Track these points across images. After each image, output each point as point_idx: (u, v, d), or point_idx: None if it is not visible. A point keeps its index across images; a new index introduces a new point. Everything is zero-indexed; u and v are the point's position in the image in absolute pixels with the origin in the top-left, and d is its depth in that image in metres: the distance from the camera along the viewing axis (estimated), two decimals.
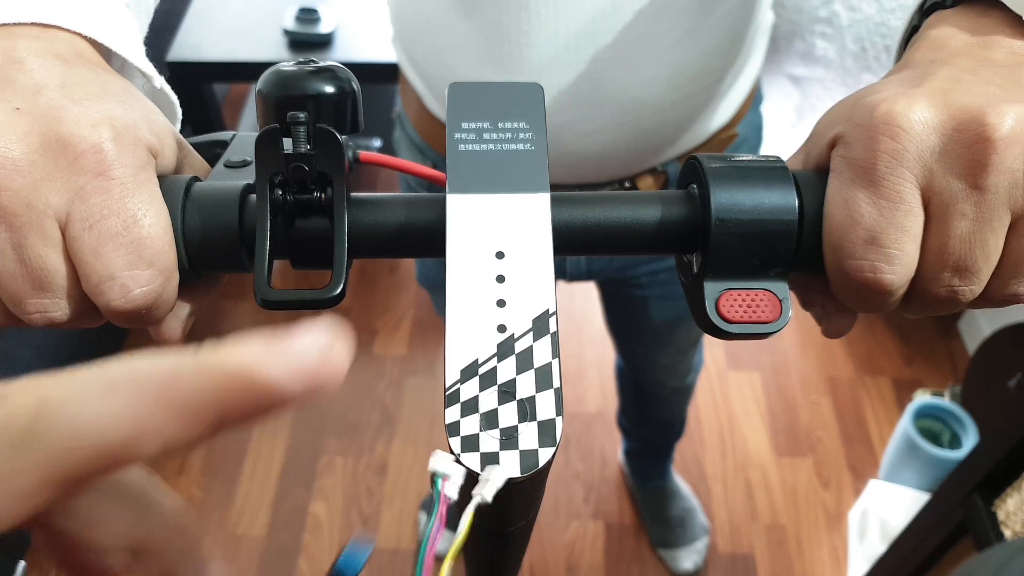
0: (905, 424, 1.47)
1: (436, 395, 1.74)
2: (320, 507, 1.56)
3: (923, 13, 0.37)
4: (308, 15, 1.63)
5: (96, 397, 0.16)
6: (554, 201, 0.31)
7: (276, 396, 0.17)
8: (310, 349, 0.17)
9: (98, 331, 1.67)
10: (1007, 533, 0.93)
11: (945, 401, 1.54)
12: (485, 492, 0.24)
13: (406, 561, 1.49)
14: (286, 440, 1.66)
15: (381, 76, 1.54)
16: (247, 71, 1.64)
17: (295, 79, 0.30)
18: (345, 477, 1.60)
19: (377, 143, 1.92)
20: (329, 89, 0.30)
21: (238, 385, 0.16)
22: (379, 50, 1.60)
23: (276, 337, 0.17)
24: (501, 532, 0.32)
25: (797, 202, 0.32)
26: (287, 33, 1.62)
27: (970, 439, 1.46)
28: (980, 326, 1.77)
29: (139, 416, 0.16)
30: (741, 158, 0.33)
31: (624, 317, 1.07)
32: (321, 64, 0.31)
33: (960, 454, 1.42)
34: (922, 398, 1.60)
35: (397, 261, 1.97)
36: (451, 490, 0.24)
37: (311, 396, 0.17)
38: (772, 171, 0.32)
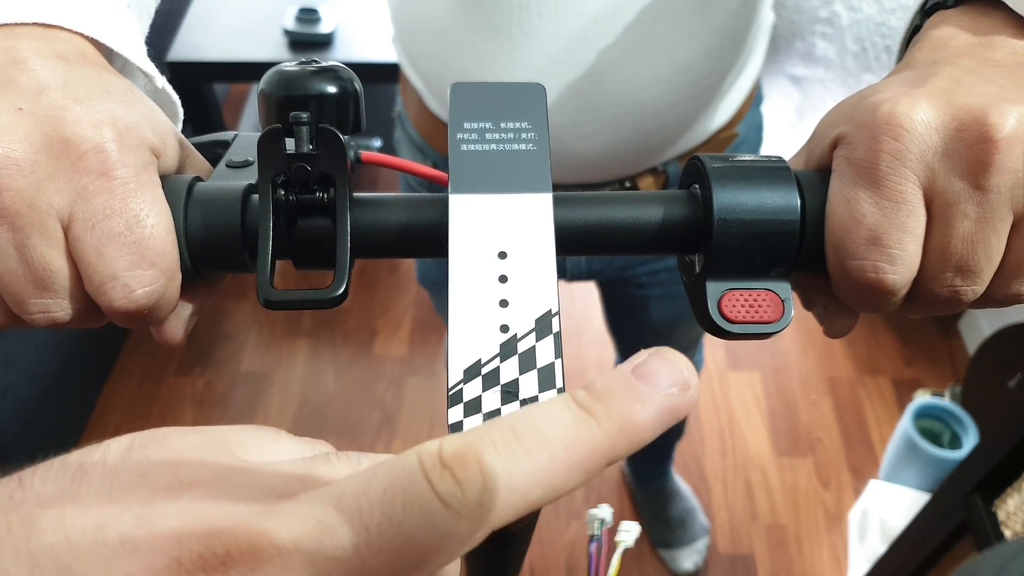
0: (905, 424, 1.47)
1: (436, 395, 1.74)
2: None
3: (924, 13, 0.37)
4: (308, 15, 1.63)
5: (524, 465, 0.17)
6: (556, 201, 0.31)
7: (652, 433, 0.19)
8: (676, 380, 0.20)
9: (99, 332, 1.67)
10: (1007, 533, 0.93)
11: (945, 401, 1.54)
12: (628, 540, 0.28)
13: None
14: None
15: (381, 76, 1.54)
16: (247, 71, 1.64)
17: (298, 79, 0.30)
18: None
19: (377, 143, 1.92)
20: (331, 89, 0.30)
21: (624, 435, 0.19)
22: (379, 50, 1.60)
23: (641, 374, 0.19)
24: (503, 532, 0.32)
25: (799, 202, 0.32)
26: (287, 33, 1.62)
27: (970, 439, 1.46)
28: (980, 326, 1.77)
29: (554, 475, 0.18)
30: (743, 158, 0.33)
31: (624, 317, 1.07)
32: (323, 64, 0.31)
33: (960, 454, 1.42)
34: (922, 398, 1.60)
35: (397, 261, 1.97)
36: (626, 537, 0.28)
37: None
38: (774, 171, 0.32)
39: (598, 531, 0.27)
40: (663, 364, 0.20)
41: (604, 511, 0.27)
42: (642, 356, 0.20)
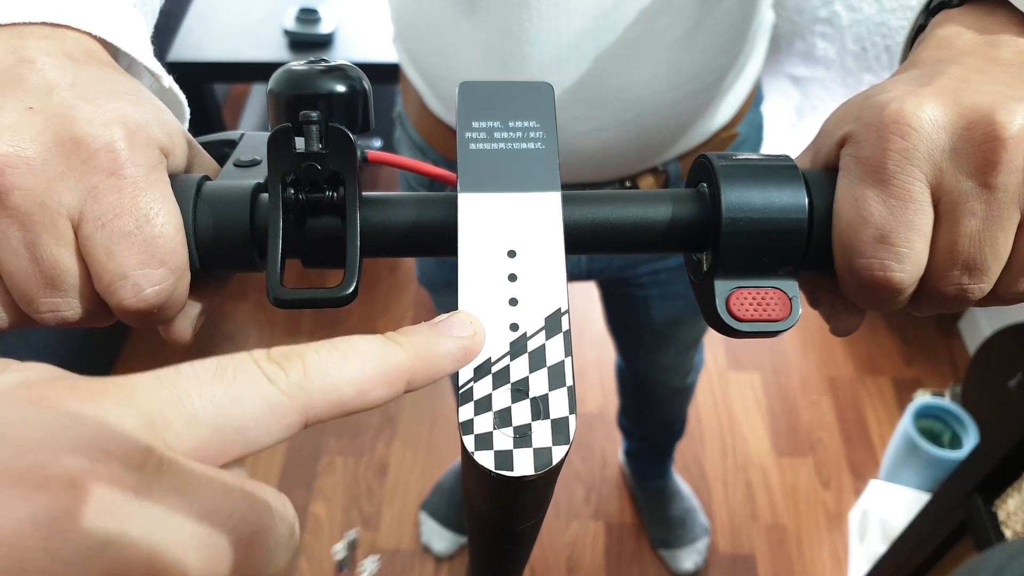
0: (905, 424, 1.47)
1: (436, 396, 1.74)
2: (320, 507, 1.56)
3: (929, 12, 0.37)
4: (308, 15, 1.63)
5: (338, 365, 0.22)
6: (565, 200, 0.32)
7: (446, 366, 0.25)
8: (465, 331, 0.25)
9: (99, 332, 1.67)
10: (1008, 533, 0.93)
11: (945, 401, 1.54)
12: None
13: (406, 561, 1.49)
14: (286, 440, 1.66)
15: (381, 76, 1.53)
16: (247, 71, 1.64)
17: (307, 78, 0.30)
18: (345, 477, 1.60)
19: (377, 143, 1.92)
20: (341, 88, 0.31)
21: (422, 360, 0.24)
22: (379, 50, 1.60)
23: (439, 325, 0.25)
24: (511, 530, 0.32)
25: (807, 201, 0.32)
26: (287, 33, 1.62)
27: (970, 439, 1.46)
28: (980, 326, 1.77)
29: (362, 379, 0.22)
30: (751, 157, 0.33)
31: (624, 317, 1.07)
32: (332, 63, 0.31)
33: (960, 454, 1.42)
34: (922, 398, 1.60)
35: (397, 261, 1.97)
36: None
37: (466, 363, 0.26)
38: (782, 170, 0.33)
39: (346, 554, 0.31)
40: (456, 318, 0.26)
41: (352, 534, 0.31)
42: (441, 317, 0.26)
